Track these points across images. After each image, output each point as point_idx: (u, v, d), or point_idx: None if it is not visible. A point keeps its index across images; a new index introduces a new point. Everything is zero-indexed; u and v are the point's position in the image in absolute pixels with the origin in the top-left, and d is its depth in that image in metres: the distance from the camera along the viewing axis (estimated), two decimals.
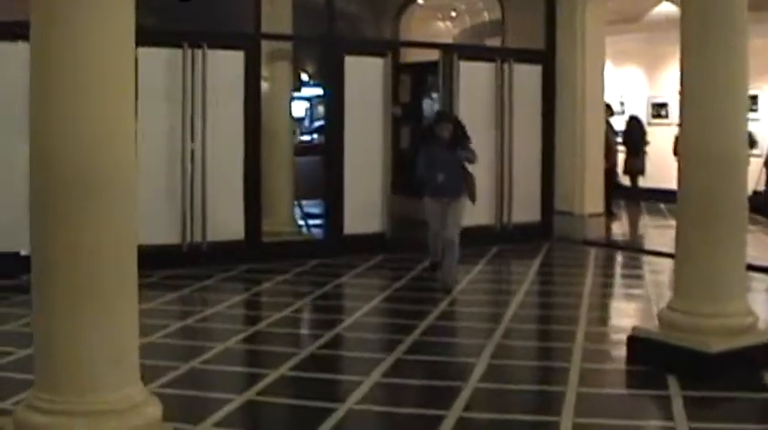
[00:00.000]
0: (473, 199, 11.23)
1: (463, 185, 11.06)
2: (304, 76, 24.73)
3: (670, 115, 20.35)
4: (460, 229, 11.13)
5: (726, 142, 7.61)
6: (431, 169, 11.04)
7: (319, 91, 22.89)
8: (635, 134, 19.28)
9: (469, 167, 11.16)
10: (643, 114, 20.98)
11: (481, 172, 12.24)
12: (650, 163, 19.16)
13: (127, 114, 5.28)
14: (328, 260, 13.14)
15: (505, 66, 14.90)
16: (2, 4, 11.59)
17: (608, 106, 17.69)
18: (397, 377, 7.59)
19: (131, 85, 5.33)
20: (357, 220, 13.81)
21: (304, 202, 15.72)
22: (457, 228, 11.06)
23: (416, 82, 17.17)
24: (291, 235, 14.39)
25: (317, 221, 14.86)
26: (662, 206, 18.51)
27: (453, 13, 21.06)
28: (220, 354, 8.21)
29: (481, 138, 13.93)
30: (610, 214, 17.01)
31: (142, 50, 12.18)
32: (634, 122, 19.56)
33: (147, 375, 7.49)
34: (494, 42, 17.75)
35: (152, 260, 12.11)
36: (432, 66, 15.16)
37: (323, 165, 14.16)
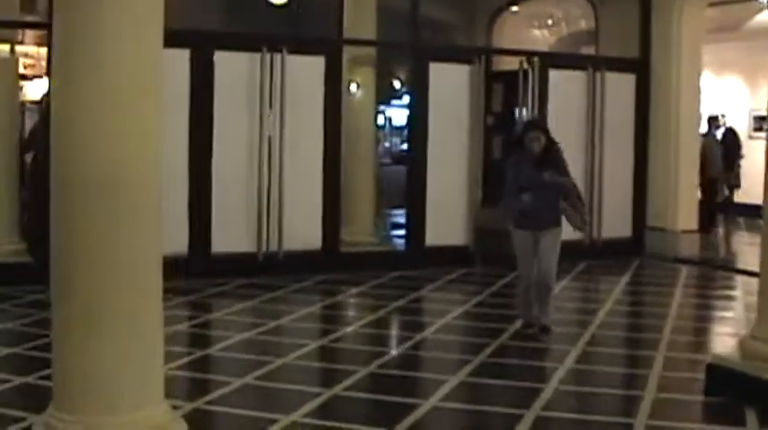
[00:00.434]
0: (581, 225, 9.53)
1: (558, 213, 9.18)
2: (397, 84, 24.48)
3: None
4: (556, 268, 9.29)
5: None
6: (515, 190, 9.16)
7: None
8: (730, 147, 18.55)
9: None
10: (744, 127, 20.20)
11: None
12: (750, 177, 18.36)
13: (150, 115, 4.99)
14: (408, 272, 12.80)
15: (598, 75, 14.38)
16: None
17: (714, 118, 17.07)
18: (459, 402, 7.21)
19: (156, 85, 5.04)
20: (440, 232, 13.45)
21: (394, 212, 15.40)
22: (553, 269, 9.18)
23: (508, 91, 16.71)
24: (372, 245, 14.02)
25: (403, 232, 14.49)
26: (761, 223, 17.64)
27: (550, 21, 20.56)
28: (276, 370, 7.90)
29: (572, 149, 13.41)
30: (708, 230, 16.33)
31: (219, 54, 12.22)
32: (730, 135, 18.85)
33: (197, 390, 7.33)
34: (591, 51, 17.21)
35: (227, 268, 12.07)
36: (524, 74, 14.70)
37: (406, 175, 13.80)
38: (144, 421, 4.91)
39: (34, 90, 15.35)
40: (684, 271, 13.51)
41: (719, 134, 18.36)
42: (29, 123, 13.62)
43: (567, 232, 9.45)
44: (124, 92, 4.86)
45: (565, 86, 14.12)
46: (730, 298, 12.07)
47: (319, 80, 12.62)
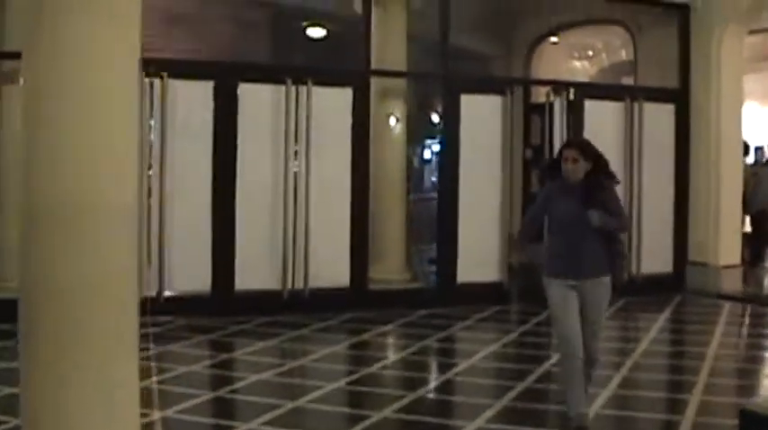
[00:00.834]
0: (618, 282, 7.11)
1: (606, 257, 7.00)
2: (435, 118, 24.12)
3: None
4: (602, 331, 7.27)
5: None
6: (533, 230, 7.46)
7: None
8: None
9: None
10: None
11: None
12: None
13: (124, 143, 4.70)
14: (438, 310, 12.39)
15: (636, 105, 13.94)
16: None
17: (760, 148, 16.54)
18: None
19: (130, 113, 4.74)
20: (472, 268, 13.03)
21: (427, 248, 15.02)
22: (599, 333, 7.15)
23: (546, 122, 16.30)
24: (401, 283, 13.60)
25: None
26: None
27: (590, 52, 20.14)
28: (286, 414, 7.52)
29: None
30: (755, 264, 15.76)
31: (244, 87, 11.94)
32: None
33: None
34: (631, 82, 16.78)
35: (251, 306, 11.73)
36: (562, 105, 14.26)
37: (437, 209, 13.42)
38: None
39: None
40: (727, 308, 12.98)
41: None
42: None
43: None
44: (97, 120, 4.58)
45: (602, 117, 13.67)
46: None
47: (347, 112, 12.31)
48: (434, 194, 23.74)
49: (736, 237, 14.31)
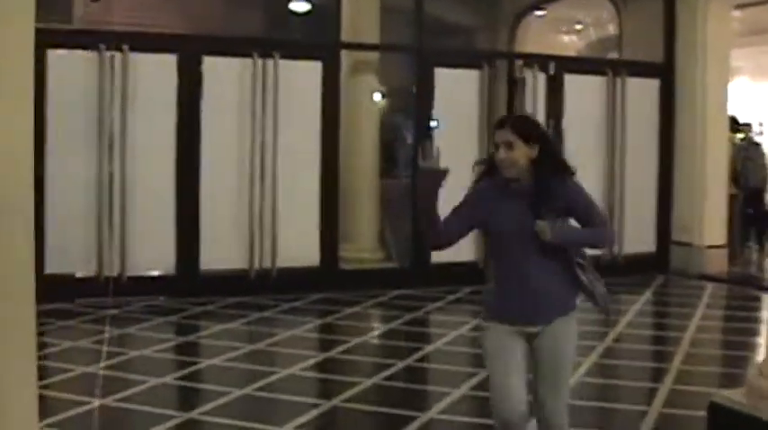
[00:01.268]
0: (602, 307, 4.89)
1: (571, 287, 4.82)
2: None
3: None
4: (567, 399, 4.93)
5: None
6: (437, 220, 4.75)
7: None
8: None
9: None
10: None
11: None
12: None
13: (20, 124, 4.26)
14: (411, 291, 11.98)
15: (618, 80, 13.50)
16: None
17: (746, 125, 16.05)
18: None
19: (25, 92, 4.30)
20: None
21: None
22: (565, 399, 4.89)
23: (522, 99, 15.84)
24: (373, 262, 13.20)
25: None
26: None
27: (578, 26, 19.69)
28: (231, 403, 7.13)
29: (590, 160, 12.65)
30: (741, 246, 15.34)
31: (209, 60, 11.52)
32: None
33: (139, 426, 6.61)
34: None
35: (216, 287, 11.35)
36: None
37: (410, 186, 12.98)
38: None
39: None
40: (709, 289, 12.59)
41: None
42: None
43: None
44: None
45: (583, 93, 13.24)
46: (756, 320, 11.14)
47: (317, 87, 11.88)
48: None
49: (722, 216, 13.89)
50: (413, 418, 6.82)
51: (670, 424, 6.93)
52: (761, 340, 10.04)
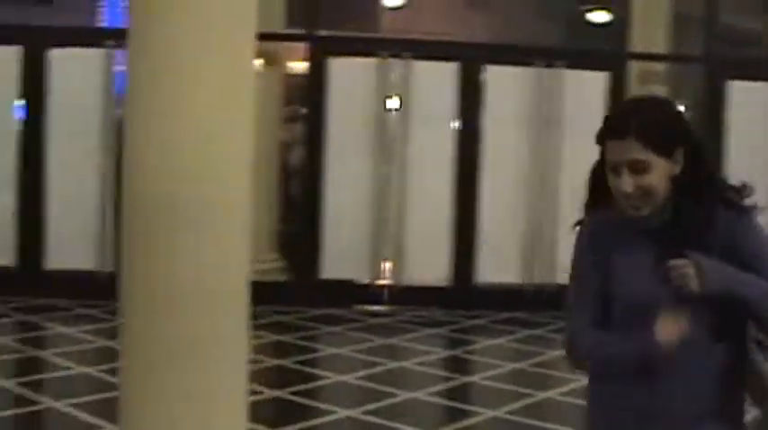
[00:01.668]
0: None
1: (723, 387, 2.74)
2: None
3: None
4: None
5: None
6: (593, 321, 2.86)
7: None
8: None
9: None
10: None
11: None
12: None
13: (239, 130, 4.27)
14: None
15: None
16: None
17: None
18: None
19: (247, 101, 4.30)
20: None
21: None
22: None
23: None
24: None
25: None
26: None
27: None
28: (474, 426, 6.91)
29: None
30: None
31: (491, 69, 11.27)
32: None
33: None
34: None
35: (491, 300, 11.10)
36: None
37: None
38: None
39: None
40: None
41: None
42: None
43: None
44: (208, 109, 4.17)
45: None
46: None
47: (600, 98, 11.40)
48: None
49: None
50: None
51: None
52: None
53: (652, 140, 2.68)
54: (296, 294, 10.78)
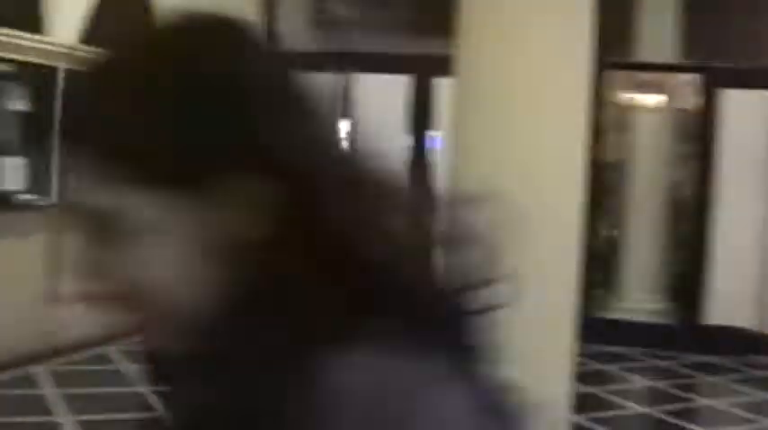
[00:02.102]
0: None
1: None
2: None
3: None
4: None
5: None
6: None
7: None
8: None
9: None
10: None
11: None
12: None
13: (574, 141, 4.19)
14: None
15: None
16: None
17: None
18: None
19: (582, 108, 4.21)
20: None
21: None
22: None
23: None
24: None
25: None
26: None
27: None
28: None
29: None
30: None
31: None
32: None
33: None
34: None
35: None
36: None
37: None
38: None
39: None
40: None
41: None
42: None
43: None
44: (544, 117, 4.11)
45: None
46: None
47: None
48: None
49: None
50: None
51: None
52: None
53: None
54: (677, 338, 10.26)
